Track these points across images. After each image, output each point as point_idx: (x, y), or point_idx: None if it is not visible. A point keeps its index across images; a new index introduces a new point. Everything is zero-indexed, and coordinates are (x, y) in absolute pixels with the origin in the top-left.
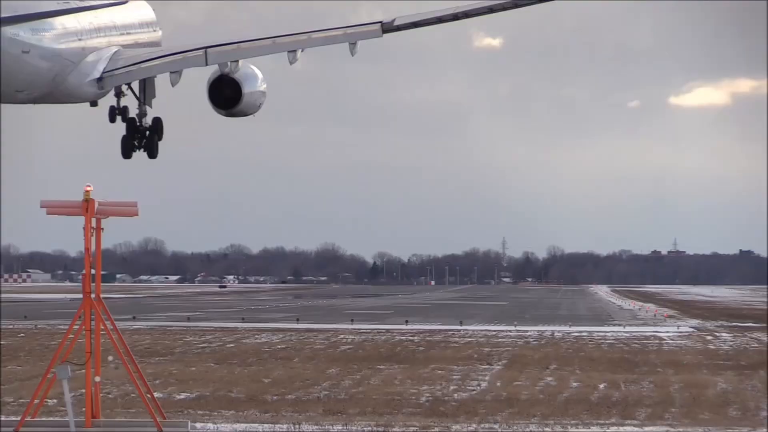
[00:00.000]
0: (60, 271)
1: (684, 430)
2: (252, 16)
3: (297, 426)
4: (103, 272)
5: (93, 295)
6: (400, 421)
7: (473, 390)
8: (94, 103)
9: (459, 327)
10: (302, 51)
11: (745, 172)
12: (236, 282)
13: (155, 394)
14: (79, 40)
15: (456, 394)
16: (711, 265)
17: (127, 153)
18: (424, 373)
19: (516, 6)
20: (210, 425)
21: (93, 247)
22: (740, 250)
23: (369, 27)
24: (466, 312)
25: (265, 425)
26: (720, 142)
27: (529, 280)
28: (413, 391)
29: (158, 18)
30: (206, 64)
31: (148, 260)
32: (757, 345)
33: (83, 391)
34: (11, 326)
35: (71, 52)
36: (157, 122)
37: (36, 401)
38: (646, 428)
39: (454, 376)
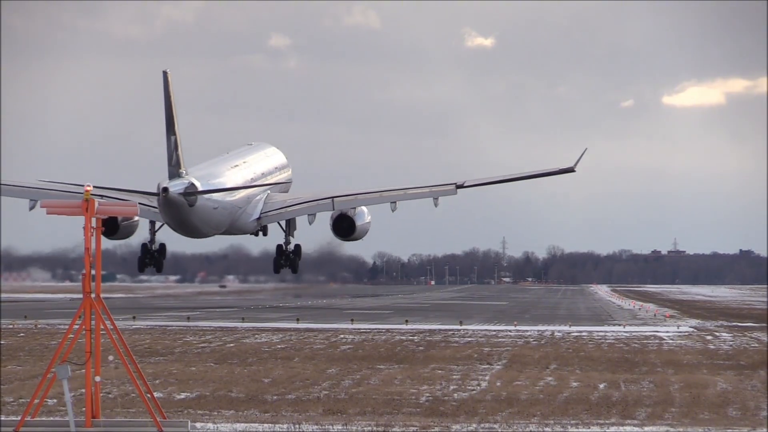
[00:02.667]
0: (60, 271)
1: (684, 430)
2: (245, 17)
3: (297, 426)
4: (102, 272)
5: (93, 295)
6: (400, 421)
7: (473, 390)
8: (254, 233)
9: (459, 327)
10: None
11: (742, 172)
12: (236, 282)
13: (155, 394)
14: (245, 191)
15: (456, 394)
16: (711, 265)
17: (277, 269)
18: (424, 373)
19: (552, 174)
20: (210, 425)
21: (93, 247)
22: (740, 250)
23: (446, 187)
24: (466, 312)
25: (265, 425)
26: (717, 141)
27: (529, 279)
28: (413, 391)
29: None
30: (333, 209)
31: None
32: (757, 345)
33: (83, 391)
34: (11, 326)
35: (241, 201)
36: (298, 248)
37: (36, 401)
38: (646, 428)
39: (454, 376)
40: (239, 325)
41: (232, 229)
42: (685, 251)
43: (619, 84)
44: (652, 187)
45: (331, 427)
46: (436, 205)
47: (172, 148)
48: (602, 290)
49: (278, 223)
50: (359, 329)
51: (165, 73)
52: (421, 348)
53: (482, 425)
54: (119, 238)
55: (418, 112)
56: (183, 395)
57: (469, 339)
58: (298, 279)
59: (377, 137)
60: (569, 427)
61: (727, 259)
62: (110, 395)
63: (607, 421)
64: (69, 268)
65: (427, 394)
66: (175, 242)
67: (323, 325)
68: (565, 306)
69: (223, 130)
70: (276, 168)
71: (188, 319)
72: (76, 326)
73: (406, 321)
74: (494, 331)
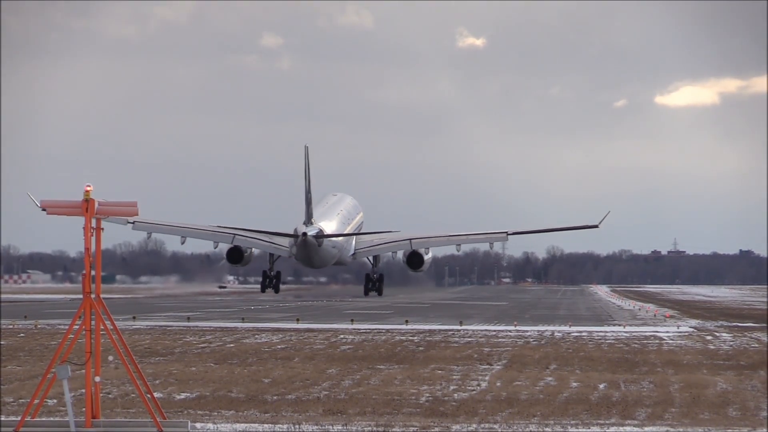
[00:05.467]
0: (60, 272)
1: (684, 430)
2: (238, 17)
3: (297, 426)
4: (102, 273)
5: (93, 295)
6: (400, 421)
7: (473, 390)
8: (344, 264)
9: (459, 327)
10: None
11: (740, 172)
12: (236, 282)
13: (155, 394)
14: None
15: (456, 394)
16: (711, 265)
17: (366, 293)
18: (424, 373)
19: (578, 228)
20: (210, 425)
21: (93, 247)
22: (740, 250)
23: (499, 235)
24: (466, 312)
25: (265, 425)
26: (712, 141)
27: (529, 280)
28: (413, 391)
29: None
30: (411, 249)
31: (148, 261)
32: (757, 345)
33: (83, 391)
34: (11, 326)
35: (345, 241)
36: (381, 276)
37: (36, 401)
38: (646, 428)
39: (454, 376)
40: (239, 325)
41: (337, 262)
42: (685, 251)
43: (612, 84)
44: (651, 187)
45: (331, 427)
46: (491, 247)
47: (307, 204)
48: (602, 290)
49: (367, 258)
50: (359, 329)
51: (306, 148)
52: (421, 348)
53: (482, 425)
54: (243, 265)
55: (411, 111)
56: (183, 395)
57: (469, 339)
58: (299, 280)
59: (371, 137)
60: (569, 427)
61: (727, 259)
62: (110, 395)
63: (607, 422)
64: (69, 269)
65: (427, 395)
66: (173, 241)
67: (323, 325)
68: (565, 306)
69: (220, 131)
70: (356, 213)
71: (188, 319)
72: (76, 326)
73: (406, 321)
74: (494, 331)
